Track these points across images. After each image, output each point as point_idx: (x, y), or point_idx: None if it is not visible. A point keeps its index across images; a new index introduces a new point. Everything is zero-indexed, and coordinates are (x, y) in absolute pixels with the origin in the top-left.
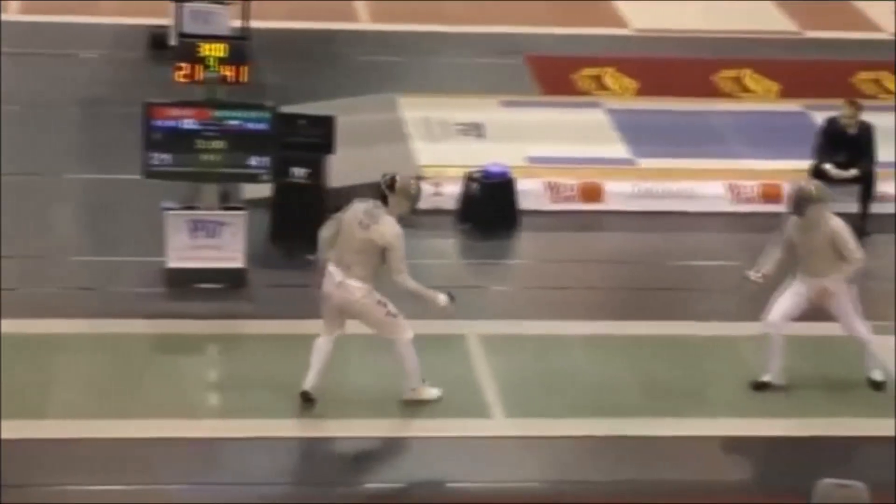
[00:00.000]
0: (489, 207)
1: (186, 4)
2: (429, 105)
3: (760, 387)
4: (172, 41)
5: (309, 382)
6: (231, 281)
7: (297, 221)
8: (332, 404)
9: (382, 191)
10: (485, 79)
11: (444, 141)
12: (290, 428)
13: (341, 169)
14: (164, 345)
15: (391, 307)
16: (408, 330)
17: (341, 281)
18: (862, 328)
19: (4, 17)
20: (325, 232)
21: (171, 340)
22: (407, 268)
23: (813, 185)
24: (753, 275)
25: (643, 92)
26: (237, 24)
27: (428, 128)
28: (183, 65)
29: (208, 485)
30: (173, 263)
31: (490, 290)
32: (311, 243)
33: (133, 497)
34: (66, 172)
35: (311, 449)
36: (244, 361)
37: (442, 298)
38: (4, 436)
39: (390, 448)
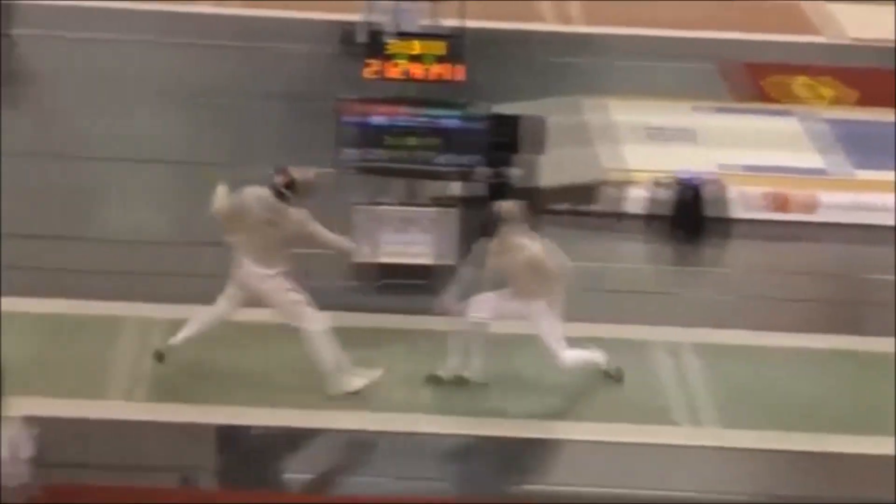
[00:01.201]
0: (679, 213)
1: (381, 1)
2: (620, 108)
3: None
4: (360, 37)
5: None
6: (423, 277)
7: None
8: (534, 402)
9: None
10: (676, 84)
11: (635, 144)
12: (479, 426)
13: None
14: (351, 338)
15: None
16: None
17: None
18: None
19: (206, 10)
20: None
21: (358, 334)
22: None
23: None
24: None
25: (838, 101)
26: (451, 22)
27: (619, 131)
28: (373, 61)
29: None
30: (360, 258)
31: (676, 296)
32: None
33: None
34: (259, 164)
35: (507, 449)
36: (433, 357)
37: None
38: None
39: (592, 452)
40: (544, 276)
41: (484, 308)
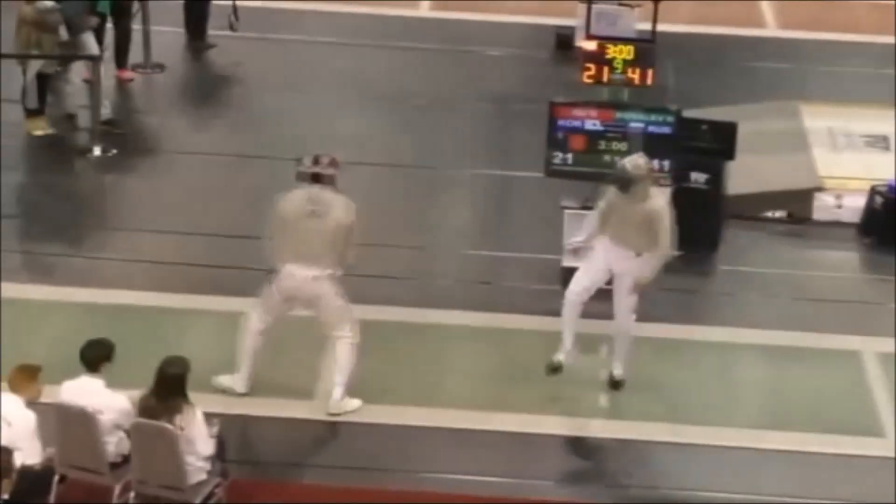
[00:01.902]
0: (893, 222)
1: (595, 5)
2: (832, 114)
3: None
4: (578, 42)
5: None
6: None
7: (694, 227)
8: (707, 410)
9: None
10: (889, 90)
11: (847, 152)
12: (663, 432)
13: (738, 176)
14: (553, 342)
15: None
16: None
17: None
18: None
19: (416, 13)
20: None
21: (560, 338)
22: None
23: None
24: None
25: None
26: (645, 26)
27: (831, 138)
28: (590, 66)
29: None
30: (569, 262)
31: (888, 307)
32: (706, 249)
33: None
34: (467, 167)
35: (687, 455)
36: (631, 363)
37: None
38: (398, 421)
39: (771, 460)
40: (658, 232)
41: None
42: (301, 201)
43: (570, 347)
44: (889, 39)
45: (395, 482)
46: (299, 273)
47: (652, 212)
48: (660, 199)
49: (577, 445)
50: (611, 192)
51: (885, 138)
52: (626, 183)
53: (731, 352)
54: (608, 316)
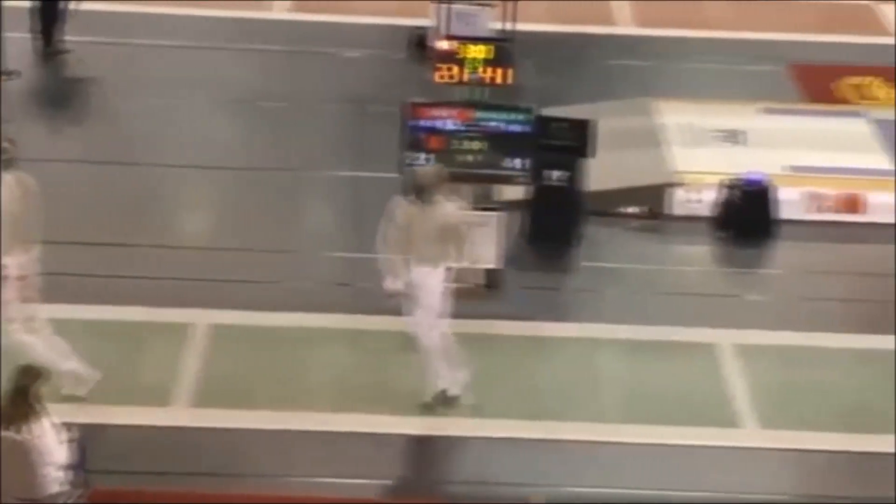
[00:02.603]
0: (747, 216)
1: (452, 5)
2: (687, 110)
3: None
4: (433, 42)
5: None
6: (485, 281)
7: (553, 224)
8: (571, 406)
9: None
10: (745, 85)
11: (702, 147)
12: (533, 429)
13: (597, 173)
14: (413, 342)
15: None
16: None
17: None
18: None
19: (273, 15)
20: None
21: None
22: None
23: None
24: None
25: None
26: (499, 25)
27: (686, 133)
28: (442, 66)
29: (454, 483)
30: None
31: (744, 299)
32: (566, 246)
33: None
34: (326, 169)
35: (552, 450)
36: (495, 362)
37: None
38: (262, 426)
39: (633, 454)
40: (455, 240)
41: (397, 279)
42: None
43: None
44: (743, 35)
45: (252, 487)
46: None
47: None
48: (451, 208)
49: (440, 445)
50: (403, 205)
51: (738, 133)
52: (419, 189)
53: (593, 347)
54: None
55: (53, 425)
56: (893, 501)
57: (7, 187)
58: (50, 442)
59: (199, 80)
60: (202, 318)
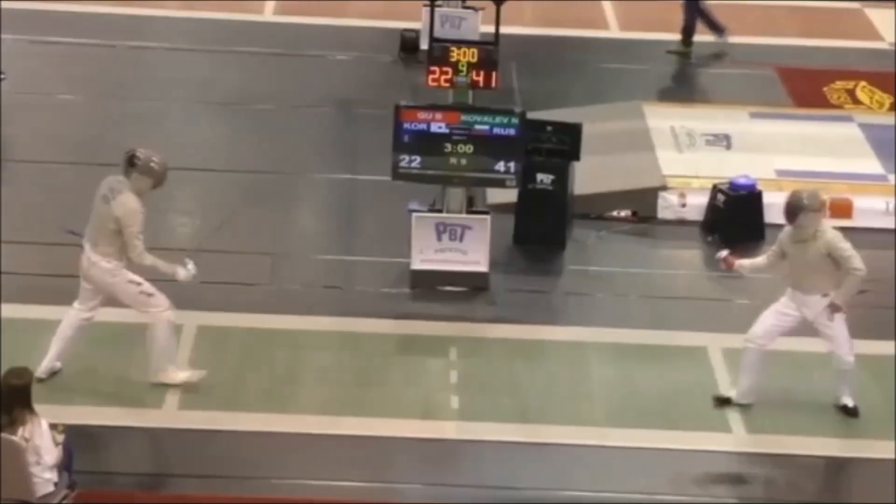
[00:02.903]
0: (735, 220)
1: (438, 9)
2: (676, 114)
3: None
4: (423, 45)
5: (45, 365)
6: (474, 284)
7: (540, 227)
8: (558, 410)
9: (125, 166)
10: (734, 89)
11: (690, 151)
12: (515, 432)
13: (586, 176)
14: (404, 345)
15: (146, 286)
16: (166, 309)
17: (89, 257)
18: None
19: (259, 18)
20: None
21: (412, 341)
22: (142, 243)
23: (805, 193)
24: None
25: None
26: (489, 29)
27: (674, 137)
28: (434, 69)
29: (440, 486)
30: (418, 265)
31: (733, 303)
32: (555, 249)
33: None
34: (314, 172)
35: (539, 455)
36: (482, 365)
37: (181, 272)
38: (250, 428)
39: (620, 457)
40: (840, 265)
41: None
42: (103, 184)
43: (746, 390)
44: (749, 40)
45: (247, 489)
46: (85, 254)
47: (827, 247)
48: (830, 233)
49: (430, 447)
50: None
51: (726, 137)
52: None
53: (581, 351)
54: None
55: (48, 427)
56: None
57: None
58: (44, 443)
59: (189, 83)
60: (191, 320)
